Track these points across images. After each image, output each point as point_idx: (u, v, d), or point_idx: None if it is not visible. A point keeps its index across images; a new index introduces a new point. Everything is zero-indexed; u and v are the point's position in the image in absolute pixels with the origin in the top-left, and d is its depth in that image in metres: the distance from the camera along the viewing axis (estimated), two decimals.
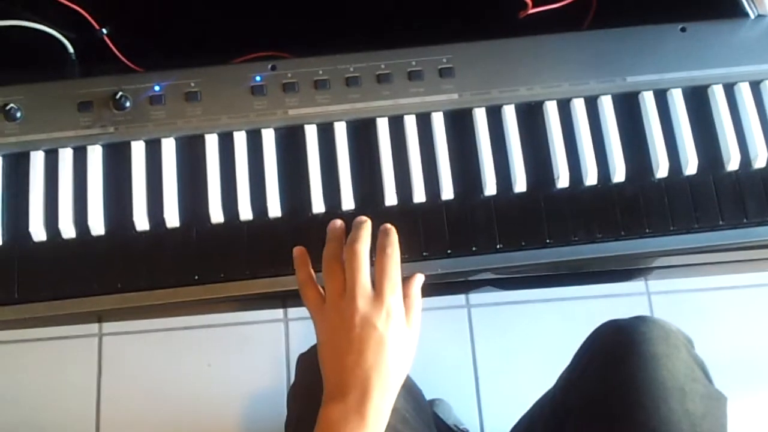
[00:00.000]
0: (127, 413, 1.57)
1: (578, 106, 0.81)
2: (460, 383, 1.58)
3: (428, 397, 1.43)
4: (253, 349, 1.61)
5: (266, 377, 1.58)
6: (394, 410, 0.85)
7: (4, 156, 0.79)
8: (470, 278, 0.88)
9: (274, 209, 0.78)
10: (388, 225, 0.75)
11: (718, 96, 0.82)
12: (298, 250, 0.75)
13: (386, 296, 0.70)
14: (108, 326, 1.61)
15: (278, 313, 1.63)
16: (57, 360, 1.61)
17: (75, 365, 1.60)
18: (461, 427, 1.45)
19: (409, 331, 0.72)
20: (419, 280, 0.77)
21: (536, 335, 1.60)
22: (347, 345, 0.69)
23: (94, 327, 1.61)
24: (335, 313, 0.71)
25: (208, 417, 1.56)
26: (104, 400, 1.58)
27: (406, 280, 0.75)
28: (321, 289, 0.73)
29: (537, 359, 1.52)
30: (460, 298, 1.62)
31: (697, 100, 0.83)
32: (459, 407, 1.53)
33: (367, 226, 0.73)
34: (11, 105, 0.77)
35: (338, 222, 0.75)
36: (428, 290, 0.78)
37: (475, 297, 1.62)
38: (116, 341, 1.62)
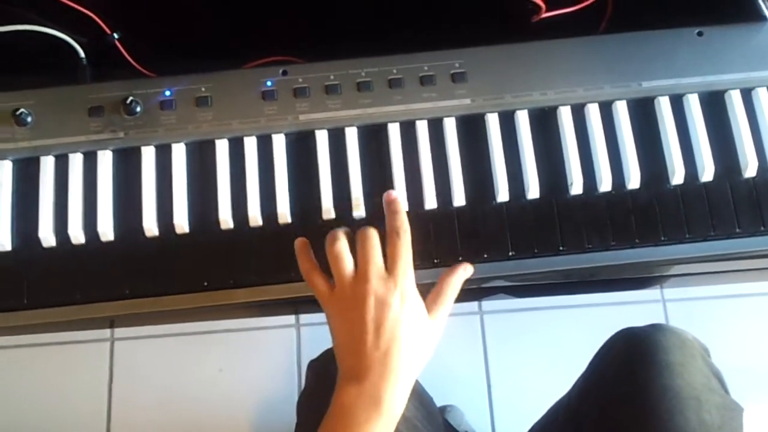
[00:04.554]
0: (138, 418, 1.58)
1: (593, 112, 0.80)
2: (472, 390, 1.57)
3: (440, 403, 1.42)
4: (265, 354, 1.61)
5: (277, 383, 1.58)
6: (404, 418, 0.85)
7: (14, 161, 0.78)
8: (483, 285, 0.87)
9: (284, 215, 0.77)
10: (393, 194, 0.74)
11: (735, 101, 0.81)
12: (299, 242, 0.74)
13: (399, 278, 0.69)
14: (120, 331, 1.62)
15: (290, 318, 1.62)
16: (68, 364, 1.61)
17: (86, 370, 1.60)
18: None
19: (429, 322, 0.70)
20: (463, 272, 0.75)
21: (549, 342, 1.59)
22: (362, 326, 0.67)
23: (106, 332, 1.62)
24: (348, 295, 0.69)
25: (219, 422, 1.56)
26: (115, 404, 1.59)
27: (448, 269, 0.74)
28: (327, 277, 0.72)
29: (550, 366, 1.51)
30: (472, 305, 1.61)
31: (714, 106, 0.81)
32: (471, 414, 1.52)
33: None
34: (22, 110, 0.77)
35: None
36: None
37: (488, 304, 1.61)
38: (128, 346, 1.62)
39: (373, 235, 0.70)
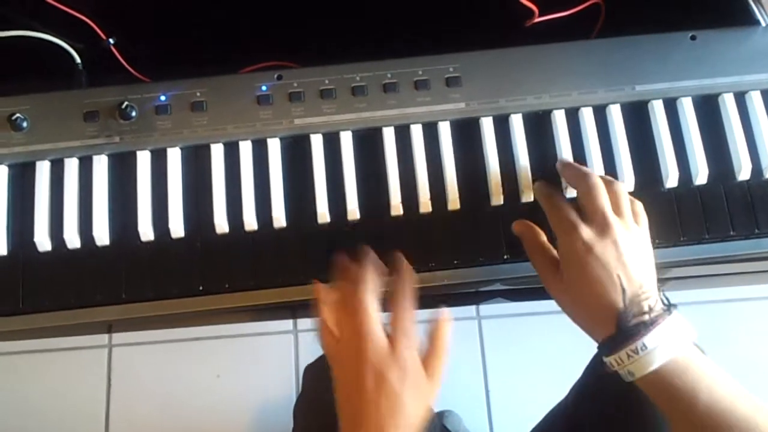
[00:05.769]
0: (136, 424, 1.58)
1: (587, 115, 0.81)
2: (470, 395, 1.57)
3: (438, 408, 1.42)
4: (263, 360, 1.61)
5: (275, 388, 1.58)
6: None
7: (10, 166, 0.79)
8: (480, 289, 0.87)
9: (280, 219, 0.77)
10: (405, 263, 0.71)
11: (728, 105, 0.81)
12: (316, 287, 0.71)
13: (401, 351, 0.66)
14: (117, 337, 1.62)
15: (288, 324, 1.62)
16: (66, 371, 1.61)
17: (84, 376, 1.61)
18: None
19: (427, 385, 0.67)
20: (448, 324, 0.71)
21: (547, 346, 1.59)
22: (361, 401, 0.65)
23: (103, 338, 1.62)
24: (349, 360, 0.67)
25: (216, 428, 1.56)
26: (113, 411, 1.59)
27: (433, 324, 0.71)
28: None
29: (548, 370, 1.51)
30: (470, 310, 1.61)
31: (708, 109, 0.81)
32: (469, 419, 1.52)
33: (370, 265, 0.70)
34: (17, 115, 0.77)
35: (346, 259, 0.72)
36: (438, 301, 0.77)
37: (486, 308, 1.61)
38: (125, 352, 1.62)
39: (367, 301, 0.67)
